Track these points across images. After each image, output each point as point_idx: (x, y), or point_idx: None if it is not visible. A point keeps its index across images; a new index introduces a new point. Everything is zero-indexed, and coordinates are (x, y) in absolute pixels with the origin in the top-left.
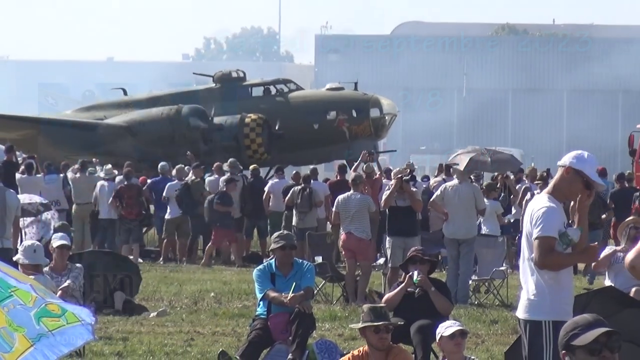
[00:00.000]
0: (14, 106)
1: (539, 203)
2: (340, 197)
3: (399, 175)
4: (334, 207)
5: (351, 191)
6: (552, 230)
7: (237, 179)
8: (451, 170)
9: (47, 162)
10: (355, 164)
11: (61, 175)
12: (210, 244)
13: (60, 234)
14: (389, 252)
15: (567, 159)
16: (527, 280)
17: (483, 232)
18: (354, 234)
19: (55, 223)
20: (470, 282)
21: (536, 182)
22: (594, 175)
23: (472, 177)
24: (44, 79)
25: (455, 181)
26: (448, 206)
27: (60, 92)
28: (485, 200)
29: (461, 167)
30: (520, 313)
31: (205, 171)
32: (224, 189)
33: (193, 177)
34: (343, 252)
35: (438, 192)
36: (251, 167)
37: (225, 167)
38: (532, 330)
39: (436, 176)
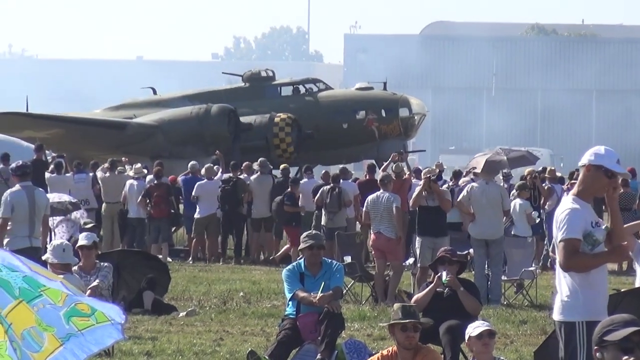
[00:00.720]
0: (42, 105)
1: (562, 206)
2: (369, 197)
3: (427, 175)
4: (364, 206)
5: (380, 191)
6: (575, 232)
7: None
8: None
9: (77, 161)
10: (385, 164)
11: (90, 174)
12: (288, 245)
13: (84, 234)
14: (418, 252)
15: (585, 158)
16: (560, 282)
17: (513, 233)
18: (383, 233)
19: (86, 221)
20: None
21: (571, 182)
22: (614, 165)
23: (501, 176)
24: (74, 78)
25: (481, 181)
26: (474, 206)
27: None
28: (518, 199)
29: (479, 170)
30: (555, 315)
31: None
32: (289, 189)
33: (239, 175)
34: (372, 252)
35: (464, 193)
36: (281, 166)
37: (255, 166)
38: (566, 332)
39: (464, 176)
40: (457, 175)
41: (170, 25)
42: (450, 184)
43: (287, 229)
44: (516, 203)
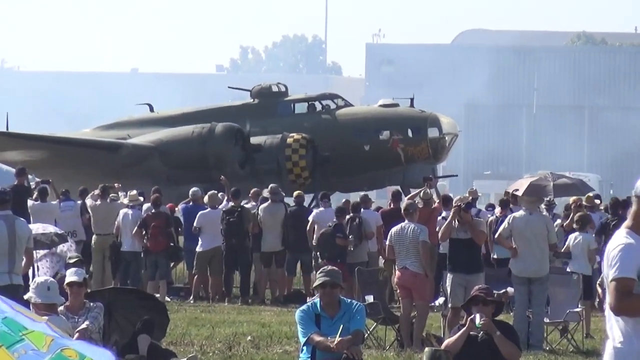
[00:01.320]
0: (24, 123)
1: (615, 241)
2: (393, 229)
3: (458, 204)
4: (387, 239)
5: (406, 221)
6: (629, 271)
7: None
8: (518, 198)
9: (64, 188)
10: (413, 192)
11: (79, 202)
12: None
13: (73, 270)
14: (448, 290)
15: (639, 187)
16: (612, 326)
17: (570, 270)
18: (409, 269)
19: (72, 255)
20: None
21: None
22: None
23: (543, 205)
24: (60, 93)
25: (524, 211)
26: (517, 240)
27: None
28: (577, 234)
29: (520, 192)
30: None
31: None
32: (335, 220)
33: (245, 203)
34: (397, 291)
35: (505, 224)
36: (295, 193)
37: (266, 193)
38: None
39: (504, 199)
40: (504, 204)
41: (169, 33)
42: (497, 214)
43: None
44: (577, 237)
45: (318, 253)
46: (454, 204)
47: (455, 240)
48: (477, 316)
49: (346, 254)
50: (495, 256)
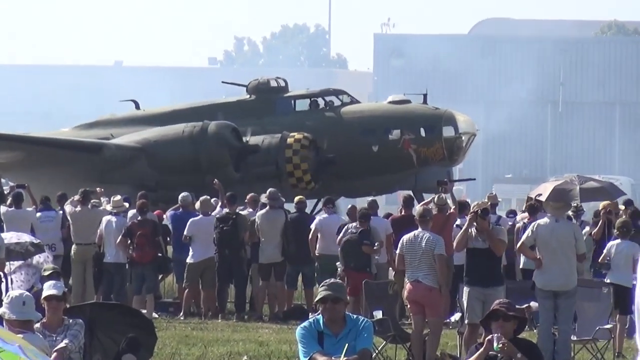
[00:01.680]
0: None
1: None
2: (405, 237)
3: (475, 210)
4: (398, 249)
5: (419, 229)
6: None
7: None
8: (542, 204)
9: (40, 193)
10: (427, 199)
11: (60, 212)
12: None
13: (51, 282)
14: (465, 305)
15: None
16: None
17: (610, 281)
18: (422, 282)
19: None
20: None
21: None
22: None
23: (571, 212)
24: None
25: (549, 217)
26: (541, 250)
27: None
28: (619, 241)
29: (544, 197)
30: None
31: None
32: (358, 226)
33: (240, 210)
34: (409, 306)
35: (528, 232)
36: (295, 198)
37: (263, 198)
38: None
39: (524, 211)
40: (532, 209)
41: (157, 22)
42: (525, 220)
43: (356, 276)
44: (619, 245)
45: (341, 262)
46: (470, 210)
47: (472, 250)
48: (495, 337)
49: (372, 262)
50: (522, 266)
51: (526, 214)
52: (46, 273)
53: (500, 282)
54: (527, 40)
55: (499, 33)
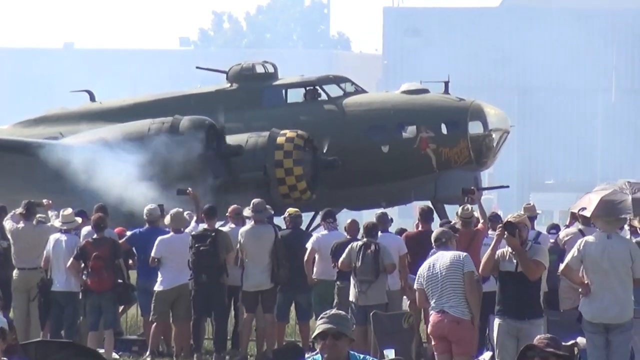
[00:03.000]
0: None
1: None
2: (422, 267)
3: (507, 223)
4: (416, 282)
5: (437, 253)
6: None
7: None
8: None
9: None
10: (453, 221)
11: None
12: None
13: None
14: (495, 340)
15: None
16: None
17: None
18: (449, 313)
19: None
20: None
21: None
22: None
23: (627, 227)
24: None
25: (599, 234)
26: (589, 273)
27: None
28: None
29: (588, 212)
30: None
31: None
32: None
33: (220, 226)
34: (433, 343)
35: (574, 252)
36: (288, 211)
37: (247, 211)
38: None
39: (568, 225)
40: (587, 221)
41: None
42: (573, 230)
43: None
44: None
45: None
46: (499, 225)
47: (503, 274)
48: None
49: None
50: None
51: (573, 229)
52: None
53: (537, 314)
54: (570, 15)
55: (536, 6)
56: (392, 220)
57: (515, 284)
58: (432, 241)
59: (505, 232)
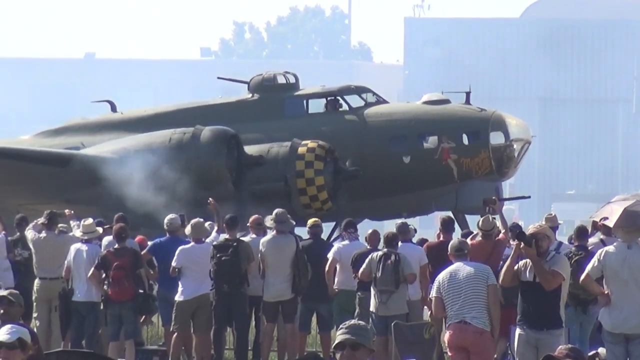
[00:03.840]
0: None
1: None
2: (441, 276)
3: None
4: (434, 291)
5: (456, 262)
6: None
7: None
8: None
9: None
10: (473, 234)
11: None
12: None
13: (6, 328)
14: (515, 351)
15: None
16: None
17: None
18: (471, 324)
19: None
20: None
21: None
22: None
23: None
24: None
25: (620, 244)
26: (610, 283)
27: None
28: None
29: (611, 222)
30: None
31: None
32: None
33: (242, 236)
34: (450, 353)
35: (595, 262)
36: (309, 222)
37: (269, 221)
38: None
39: (590, 235)
40: (608, 231)
41: (135, 6)
42: (594, 240)
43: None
44: None
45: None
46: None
47: (524, 284)
48: None
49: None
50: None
51: (594, 238)
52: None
53: (556, 325)
54: (591, 24)
55: (556, 15)
56: (416, 231)
57: (534, 294)
58: (453, 251)
59: (521, 243)
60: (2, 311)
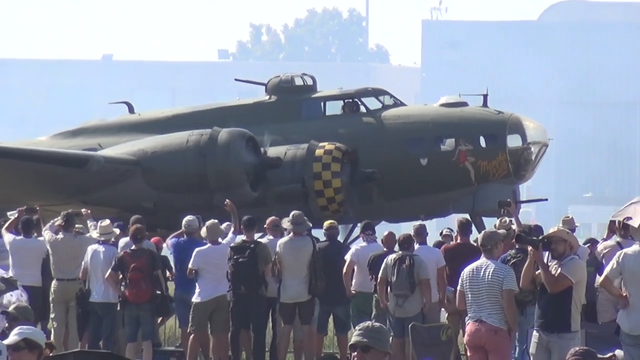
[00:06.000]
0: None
1: None
2: (466, 270)
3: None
4: (459, 285)
5: (482, 259)
6: None
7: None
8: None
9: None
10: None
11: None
12: None
13: (15, 329)
14: (532, 354)
15: None
16: None
17: None
18: (486, 322)
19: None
20: None
21: None
22: None
23: None
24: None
25: (638, 246)
26: (628, 285)
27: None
28: None
29: (636, 223)
30: None
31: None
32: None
33: (259, 237)
34: (469, 353)
35: (613, 264)
36: (326, 223)
37: (286, 223)
38: None
39: (606, 238)
40: (625, 234)
41: (154, 8)
42: (611, 243)
43: None
44: None
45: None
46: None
47: (541, 287)
48: None
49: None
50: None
51: (611, 241)
52: (16, 312)
53: (567, 328)
54: (610, 27)
55: (575, 19)
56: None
57: (546, 297)
58: (480, 244)
59: (529, 246)
60: (6, 324)
